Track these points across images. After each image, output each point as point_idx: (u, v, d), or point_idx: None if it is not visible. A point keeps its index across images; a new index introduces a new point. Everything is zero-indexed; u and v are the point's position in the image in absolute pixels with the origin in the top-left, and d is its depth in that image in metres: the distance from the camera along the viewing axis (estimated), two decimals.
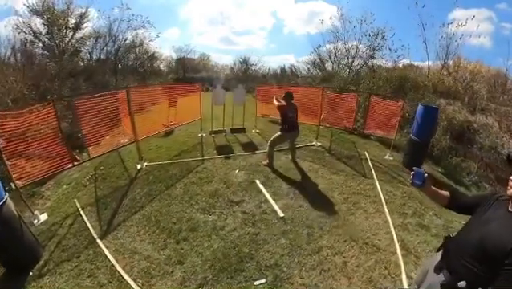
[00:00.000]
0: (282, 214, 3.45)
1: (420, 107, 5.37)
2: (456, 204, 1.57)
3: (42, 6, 13.29)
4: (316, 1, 31.34)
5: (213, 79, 22.31)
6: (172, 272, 2.59)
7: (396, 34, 13.53)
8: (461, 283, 1.29)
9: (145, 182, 4.26)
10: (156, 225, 3.19)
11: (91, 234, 3.06)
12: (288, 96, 4.72)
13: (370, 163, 5.41)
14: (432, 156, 6.69)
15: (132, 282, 2.46)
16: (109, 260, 2.68)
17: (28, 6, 12.98)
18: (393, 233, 3.22)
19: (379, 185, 4.46)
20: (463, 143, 7.35)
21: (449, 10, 18.86)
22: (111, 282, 2.48)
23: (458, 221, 3.66)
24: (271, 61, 45.97)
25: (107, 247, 2.84)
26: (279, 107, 4.66)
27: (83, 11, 14.50)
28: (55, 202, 3.90)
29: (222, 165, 4.84)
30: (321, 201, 3.82)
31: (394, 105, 6.03)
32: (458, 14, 17.87)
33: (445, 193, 1.58)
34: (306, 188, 4.16)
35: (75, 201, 3.78)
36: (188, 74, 22.97)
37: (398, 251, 2.95)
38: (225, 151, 5.52)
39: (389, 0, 23.15)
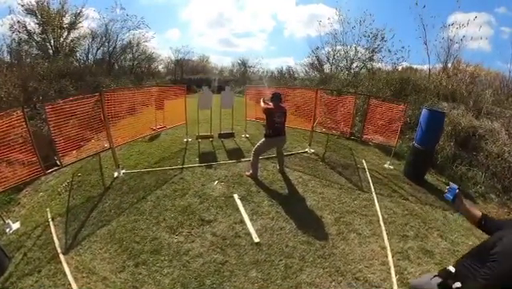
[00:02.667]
0: (257, 239, 2.92)
1: (424, 112, 4.82)
2: (487, 225, 1.57)
3: (37, 4, 13.08)
4: (317, 4, 30.98)
5: (210, 81, 22.10)
6: None
7: (395, 35, 13.07)
8: (456, 284, 1.40)
9: (118, 193, 3.91)
10: (118, 244, 2.88)
11: (55, 247, 2.84)
12: (276, 98, 4.16)
13: (368, 173, 4.88)
14: (435, 165, 6.15)
15: None
16: (67, 278, 2.47)
17: (23, 5, 12.79)
18: (391, 264, 2.68)
19: (378, 200, 3.93)
20: (468, 150, 6.81)
21: (449, 12, 18.66)
22: None
23: (466, 242, 3.27)
24: (271, 63, 45.70)
25: (68, 264, 2.62)
26: (265, 110, 4.12)
27: (78, 11, 14.30)
28: (29, 210, 3.66)
29: (201, 175, 4.35)
30: (307, 223, 3.27)
31: (395, 109, 5.52)
32: (459, 17, 17.42)
33: (477, 212, 1.61)
34: (291, 205, 3.61)
35: (47, 210, 3.52)
36: (187, 75, 22.84)
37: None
38: (207, 159, 5.02)
39: (389, 1, 22.75)
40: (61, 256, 2.70)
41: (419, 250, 2.99)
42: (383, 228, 3.26)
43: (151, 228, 3.12)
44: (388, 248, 2.90)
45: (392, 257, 2.79)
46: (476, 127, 7.09)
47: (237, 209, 3.43)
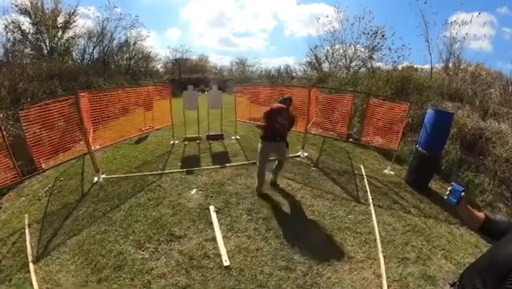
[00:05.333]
0: (227, 262, 2.49)
1: (430, 112, 4.33)
2: (491, 228, 1.36)
3: (31, 4, 12.85)
4: (318, 3, 30.61)
5: (209, 80, 21.79)
6: None
7: (396, 33, 12.63)
8: None
9: (94, 200, 3.67)
10: (85, 256, 2.71)
11: (27, 255, 2.74)
12: (285, 102, 3.55)
13: (366, 181, 4.42)
14: (440, 171, 5.67)
15: None
16: None
17: (16, 6, 12.62)
18: None
19: (376, 213, 3.48)
20: (475, 154, 6.32)
21: (451, 12, 18.19)
22: None
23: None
24: (272, 63, 45.32)
25: (36, 273, 2.53)
26: (266, 113, 3.49)
27: (72, 10, 14.07)
28: (9, 216, 3.55)
29: (180, 182, 3.96)
30: (289, 243, 2.81)
31: (397, 108, 5.06)
32: (460, 17, 16.99)
33: (480, 215, 1.40)
34: (274, 220, 3.16)
35: (26, 216, 3.41)
36: (185, 74, 22.59)
37: None
38: (189, 163, 4.62)
39: None
40: (30, 265, 2.61)
41: (420, 277, 2.55)
42: (380, 251, 2.79)
43: (118, 241, 2.87)
44: (384, 276, 2.44)
45: (388, 287, 2.33)
46: (483, 129, 6.58)
47: (211, 224, 3.00)
